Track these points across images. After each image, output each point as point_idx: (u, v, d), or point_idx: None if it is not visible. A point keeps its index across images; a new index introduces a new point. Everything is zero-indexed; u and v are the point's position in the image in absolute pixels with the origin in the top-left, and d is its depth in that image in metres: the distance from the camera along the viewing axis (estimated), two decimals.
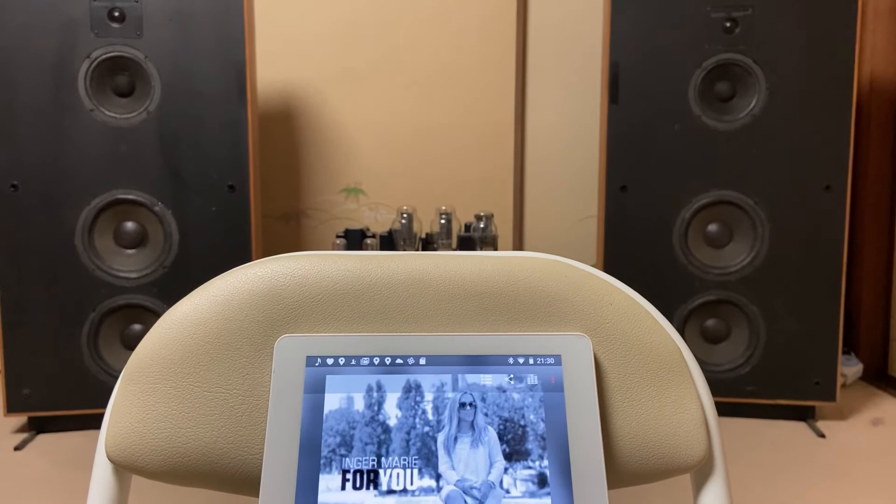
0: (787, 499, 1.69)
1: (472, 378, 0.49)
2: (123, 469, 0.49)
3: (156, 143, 1.96)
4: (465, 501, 0.45)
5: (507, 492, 0.46)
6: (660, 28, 2.02)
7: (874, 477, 1.80)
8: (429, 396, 0.48)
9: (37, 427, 2.06)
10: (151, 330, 0.52)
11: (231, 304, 0.51)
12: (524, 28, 2.63)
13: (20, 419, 2.16)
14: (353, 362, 0.49)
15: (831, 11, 1.97)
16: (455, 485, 0.46)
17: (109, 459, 0.49)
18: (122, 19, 1.92)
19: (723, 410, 2.18)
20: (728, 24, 2.00)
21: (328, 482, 0.45)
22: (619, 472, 0.50)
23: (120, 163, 1.95)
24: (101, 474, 0.50)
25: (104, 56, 1.92)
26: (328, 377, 0.48)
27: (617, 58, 2.05)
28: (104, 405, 2.01)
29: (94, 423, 2.08)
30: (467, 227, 2.09)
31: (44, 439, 2.02)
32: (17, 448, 1.95)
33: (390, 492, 0.45)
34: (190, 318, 0.51)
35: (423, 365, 0.49)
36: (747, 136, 2.03)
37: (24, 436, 2.03)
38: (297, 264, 0.53)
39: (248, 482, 0.49)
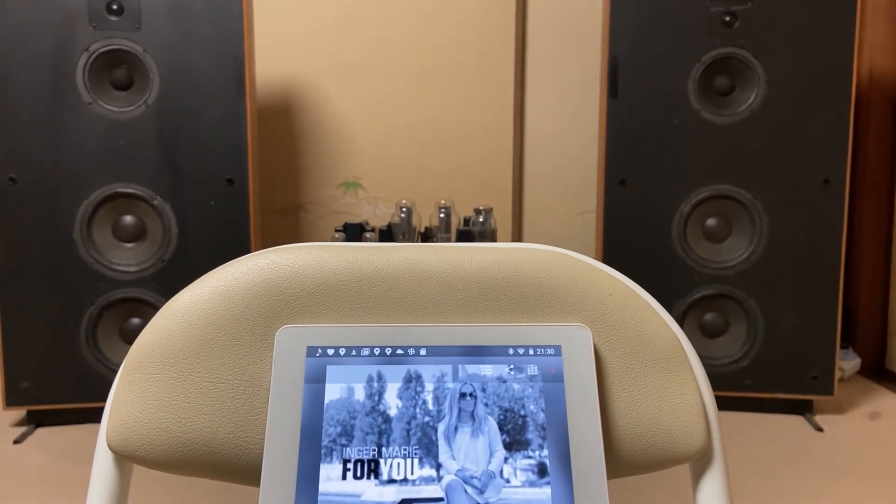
0: (784, 492, 1.69)
1: (472, 368, 0.49)
2: (124, 458, 0.50)
3: (154, 136, 1.96)
4: (466, 491, 0.45)
5: (508, 481, 0.46)
6: (659, 22, 2.02)
7: (872, 471, 1.80)
8: (429, 387, 0.48)
9: (36, 421, 2.06)
10: (153, 320, 0.52)
11: (232, 294, 0.51)
12: (523, 22, 2.62)
13: (19, 413, 2.16)
14: (354, 353, 0.49)
15: (830, 6, 1.97)
16: (455, 474, 0.46)
17: (110, 449, 0.49)
18: (120, 12, 1.91)
19: (721, 404, 2.19)
20: (727, 19, 2.00)
21: (329, 472, 0.45)
22: (618, 462, 0.50)
23: (118, 156, 1.95)
24: (102, 464, 0.50)
25: (102, 49, 1.92)
26: (329, 367, 0.48)
27: (616, 52, 2.05)
28: (103, 399, 2.01)
29: (93, 416, 2.08)
30: (466, 221, 2.09)
31: (43, 433, 2.02)
32: (16, 441, 1.96)
33: (391, 481, 0.45)
34: (191, 309, 0.51)
35: (423, 355, 0.49)
36: (746, 131, 2.03)
37: (23, 429, 2.04)
38: (298, 255, 0.53)
39: (249, 472, 0.49)
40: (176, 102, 1.96)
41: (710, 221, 2.10)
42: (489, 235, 2.02)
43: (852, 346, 2.61)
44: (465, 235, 1.97)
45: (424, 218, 2.62)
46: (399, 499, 0.45)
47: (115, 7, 1.91)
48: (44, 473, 1.78)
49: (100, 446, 0.50)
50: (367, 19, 2.55)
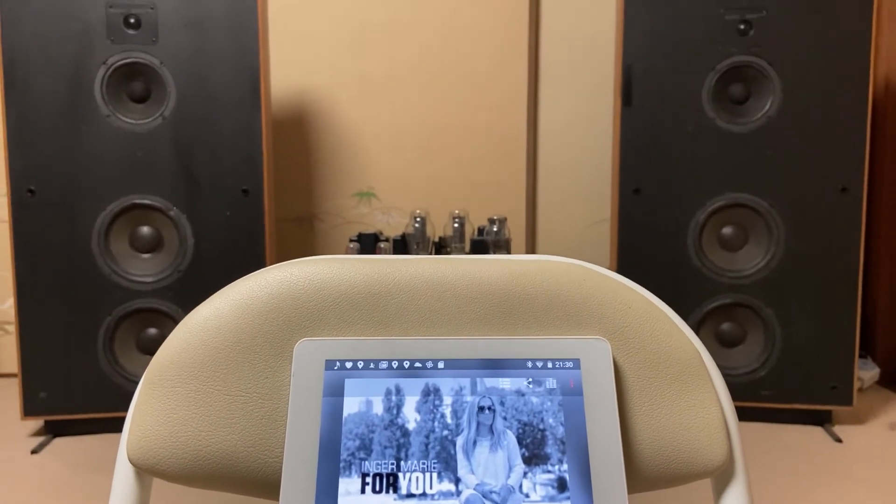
0: (804, 503, 1.67)
1: (490, 382, 0.48)
2: (145, 472, 0.50)
3: (171, 148, 1.98)
4: None
5: (527, 496, 0.45)
6: (673, 30, 2.02)
7: (892, 481, 1.78)
8: (447, 400, 0.48)
9: (53, 430, 2.08)
10: (172, 333, 0.52)
11: (251, 307, 0.51)
12: (537, 32, 2.63)
13: (37, 422, 2.17)
14: (372, 366, 0.49)
15: (846, 12, 1.96)
16: (474, 489, 0.46)
17: (131, 462, 0.49)
18: (137, 26, 1.93)
19: (739, 415, 2.16)
20: (742, 27, 1.99)
21: (348, 485, 0.45)
22: (638, 477, 0.50)
23: (135, 168, 1.97)
24: (123, 477, 0.50)
25: (120, 62, 1.94)
26: (347, 381, 0.48)
27: (630, 60, 2.05)
28: (120, 409, 2.02)
29: (110, 426, 2.09)
30: (480, 231, 2.09)
31: (60, 443, 2.03)
32: (34, 451, 1.97)
33: (410, 495, 0.45)
34: (210, 322, 0.51)
35: (441, 369, 0.49)
36: (762, 139, 2.02)
37: (40, 439, 2.05)
38: (316, 268, 0.53)
39: (268, 485, 0.49)
40: (192, 114, 1.97)
41: (726, 230, 2.09)
42: (503, 245, 2.02)
43: (871, 356, 2.58)
44: (479, 245, 1.97)
45: (438, 228, 2.62)
46: None
47: (132, 21, 1.93)
48: (61, 483, 1.79)
49: (120, 460, 0.51)
50: (380, 30, 2.56)
